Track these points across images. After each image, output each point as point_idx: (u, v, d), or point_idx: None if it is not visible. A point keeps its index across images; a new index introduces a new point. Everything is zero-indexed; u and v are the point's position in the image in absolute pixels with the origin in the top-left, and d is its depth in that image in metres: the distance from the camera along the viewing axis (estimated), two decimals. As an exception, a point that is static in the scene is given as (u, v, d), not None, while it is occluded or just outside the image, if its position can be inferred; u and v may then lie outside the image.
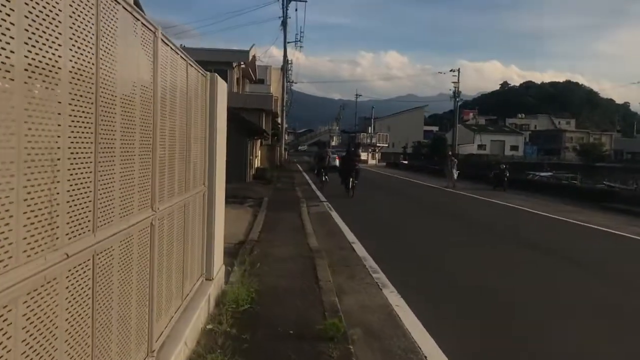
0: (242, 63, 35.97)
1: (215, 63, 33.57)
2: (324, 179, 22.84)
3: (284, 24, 41.76)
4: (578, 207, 17.91)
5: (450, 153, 30.17)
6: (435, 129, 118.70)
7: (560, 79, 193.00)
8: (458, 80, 70.30)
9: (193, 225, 4.77)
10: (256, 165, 32.23)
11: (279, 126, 46.16)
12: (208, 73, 5.39)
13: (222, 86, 5.75)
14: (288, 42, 44.43)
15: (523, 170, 52.80)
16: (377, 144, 62.34)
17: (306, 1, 41.95)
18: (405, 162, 57.20)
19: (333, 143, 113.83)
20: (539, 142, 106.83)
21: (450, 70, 72.07)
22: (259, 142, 34.12)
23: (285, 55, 43.29)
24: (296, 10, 49.85)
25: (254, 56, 37.46)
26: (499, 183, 25.01)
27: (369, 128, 70.40)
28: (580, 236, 12.33)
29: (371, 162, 58.30)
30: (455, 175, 26.55)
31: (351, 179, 19.73)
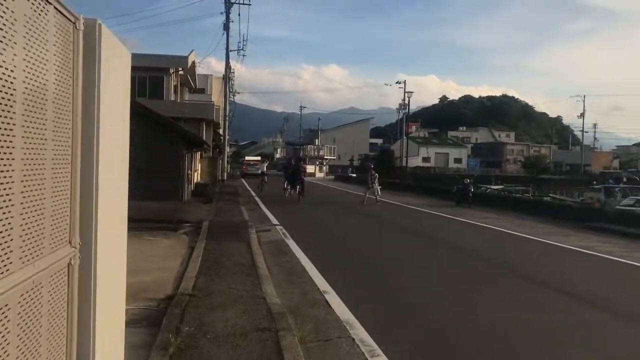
0: (180, 69, 33.02)
1: (149, 69, 30.46)
2: (290, 191, 25.59)
3: (226, 27, 39.02)
4: (559, 227, 16.01)
5: (371, 165, 27.76)
6: (379, 141, 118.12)
7: (496, 93, 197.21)
8: (405, 92, 69.42)
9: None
10: (195, 181, 29.20)
11: (221, 137, 43.16)
12: (82, 17, 2.65)
13: (114, 48, 3.00)
14: (230, 51, 41.66)
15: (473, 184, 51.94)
16: (325, 157, 60.09)
17: (250, 4, 39.29)
18: (354, 175, 55.13)
19: (277, 155, 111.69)
20: (481, 155, 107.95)
21: (397, 82, 71.15)
22: (198, 154, 31.10)
23: (227, 61, 40.48)
24: (239, 14, 47.24)
25: (193, 62, 34.52)
26: (463, 199, 23.03)
27: (316, 140, 68.13)
28: (597, 268, 10.20)
29: (319, 174, 55.89)
30: (378, 191, 24.42)
31: (298, 187, 24.44)
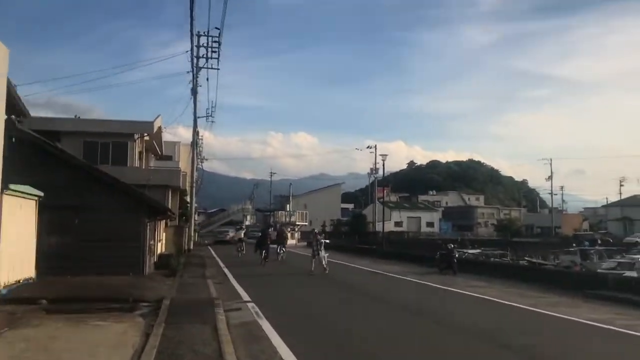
0: (145, 135, 31.67)
1: (113, 135, 29.08)
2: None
3: (193, 92, 38.00)
4: (558, 296, 14.64)
5: (316, 231, 26.10)
6: (350, 206, 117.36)
7: (462, 158, 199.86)
8: (375, 156, 69.15)
9: None
10: (159, 251, 27.25)
11: (188, 205, 41.37)
12: None
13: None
14: (198, 117, 40.57)
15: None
16: (297, 223, 58.53)
17: (218, 69, 38.54)
18: (327, 241, 53.44)
19: (247, 222, 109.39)
20: (452, 218, 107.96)
21: (367, 147, 71.03)
22: (163, 223, 29.28)
23: (195, 126, 39.28)
24: (207, 79, 46.67)
25: (159, 127, 33.25)
26: (447, 265, 21.59)
27: (287, 206, 66.65)
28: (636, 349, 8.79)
29: (290, 242, 54.07)
30: (325, 259, 21.80)
31: (264, 252, 26.29)
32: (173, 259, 23.70)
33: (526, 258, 52.20)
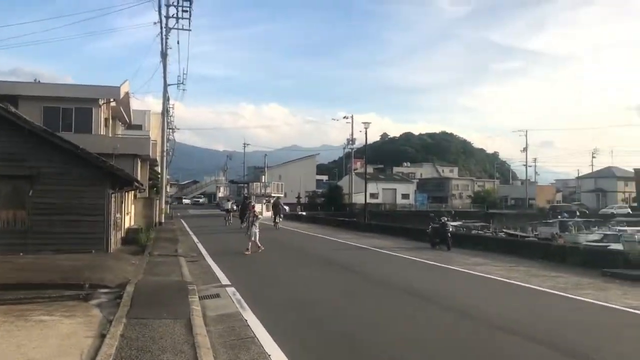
0: (112, 100, 29.29)
1: (76, 100, 26.72)
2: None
3: (163, 55, 35.47)
4: (573, 274, 13.01)
5: (252, 203, 22.76)
6: (324, 178, 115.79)
7: (434, 130, 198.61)
8: (352, 127, 67.45)
9: None
10: (127, 225, 25.23)
11: (159, 176, 39.15)
12: None
13: None
14: (169, 85, 38.00)
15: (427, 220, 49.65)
16: (272, 194, 56.58)
17: (190, 30, 35.99)
18: (304, 213, 51.78)
19: (220, 194, 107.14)
20: (427, 190, 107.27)
21: (344, 117, 69.20)
22: (131, 194, 27.18)
23: (165, 91, 36.75)
24: (178, 42, 43.50)
25: (127, 93, 30.81)
26: (441, 240, 20.03)
27: (262, 177, 64.56)
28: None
29: (266, 214, 52.20)
30: (256, 235, 18.34)
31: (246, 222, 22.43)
32: (142, 234, 21.77)
33: (504, 230, 51.64)
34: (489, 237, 24.52)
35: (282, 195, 54.38)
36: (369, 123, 33.66)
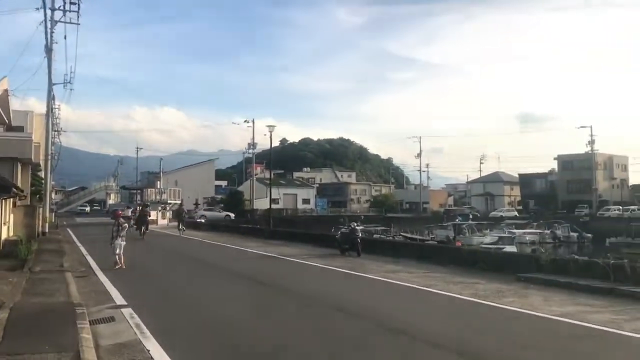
0: (-14, 98, 26.22)
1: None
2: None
3: (48, 50, 32.40)
4: (489, 280, 12.74)
5: (119, 212, 19.45)
6: (223, 183, 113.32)
7: (332, 136, 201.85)
8: (253, 131, 66.21)
9: None
10: (5, 237, 22.53)
11: (42, 181, 35.78)
12: None
13: None
14: (54, 84, 34.77)
15: (330, 225, 49.61)
16: (168, 201, 53.93)
17: (79, 24, 33.17)
18: (203, 220, 49.77)
19: (110, 201, 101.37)
20: (327, 195, 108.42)
21: (245, 121, 67.78)
22: (9, 202, 24.38)
23: (50, 90, 33.60)
24: (65, 38, 40.53)
25: (5, 91, 27.73)
26: (351, 246, 19.43)
27: (158, 183, 61.41)
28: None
29: (162, 222, 49.61)
30: (121, 247, 15.81)
31: (143, 227, 29.64)
32: (22, 246, 19.42)
33: (402, 233, 52.78)
34: (397, 242, 24.43)
35: (178, 202, 51.97)
36: (273, 126, 32.70)
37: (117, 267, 15.66)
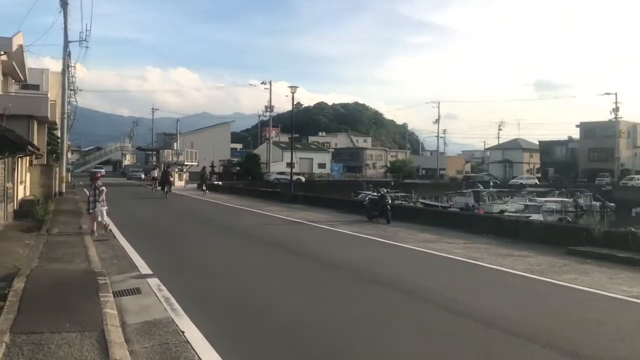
0: (2, 53, 25.29)
1: (-44, 50, 22.79)
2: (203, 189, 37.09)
3: (63, 4, 31.28)
4: (540, 253, 11.60)
5: (98, 174, 16.37)
6: (239, 146, 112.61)
7: (346, 100, 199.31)
8: (270, 93, 65.08)
9: None
10: (21, 196, 21.97)
11: (59, 140, 35.14)
12: None
13: None
14: (70, 42, 33.63)
15: (348, 190, 48.80)
16: (185, 163, 53.29)
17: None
18: (219, 182, 49.11)
19: (126, 162, 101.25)
20: (342, 160, 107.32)
21: (262, 83, 66.61)
22: (26, 161, 23.75)
23: (66, 46, 32.65)
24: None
25: (20, 46, 26.76)
26: (380, 213, 18.52)
27: (174, 144, 60.58)
28: None
29: (179, 183, 49.05)
30: (104, 213, 14.39)
31: (166, 187, 32.19)
32: (39, 206, 18.80)
33: (420, 200, 51.79)
34: (426, 209, 23.44)
35: (195, 164, 51.30)
36: (296, 87, 31.41)
37: (99, 234, 14.07)
